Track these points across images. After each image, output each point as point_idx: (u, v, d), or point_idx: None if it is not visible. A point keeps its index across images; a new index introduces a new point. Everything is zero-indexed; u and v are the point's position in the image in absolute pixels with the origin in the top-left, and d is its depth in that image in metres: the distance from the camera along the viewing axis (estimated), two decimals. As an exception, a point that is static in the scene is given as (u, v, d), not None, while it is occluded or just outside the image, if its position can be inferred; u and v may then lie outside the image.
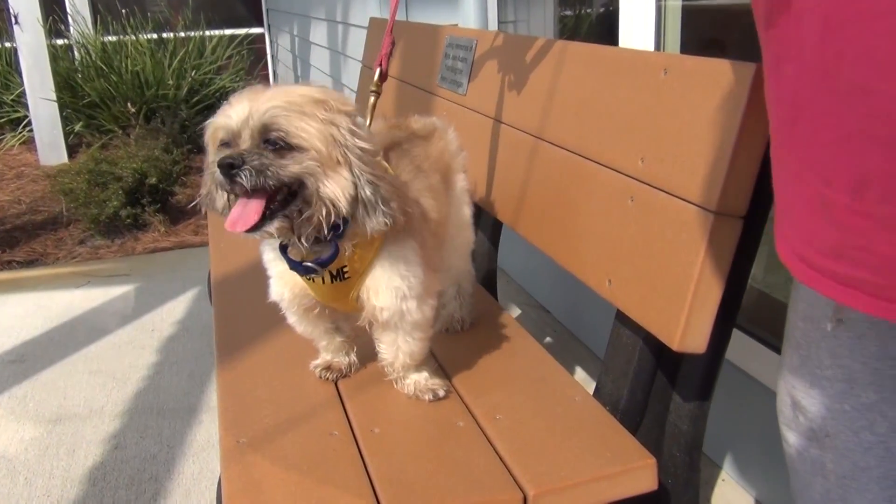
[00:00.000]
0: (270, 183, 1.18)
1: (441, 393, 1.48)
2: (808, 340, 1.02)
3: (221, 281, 2.05)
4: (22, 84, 6.28)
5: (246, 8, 8.62)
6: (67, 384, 2.86)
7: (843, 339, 0.96)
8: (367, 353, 1.58)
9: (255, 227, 1.20)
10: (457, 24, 3.33)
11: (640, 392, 1.44)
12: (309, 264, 1.30)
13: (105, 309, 3.55)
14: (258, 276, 2.11)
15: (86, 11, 7.45)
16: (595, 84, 1.58)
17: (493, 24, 3.39)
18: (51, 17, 6.79)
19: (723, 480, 2.13)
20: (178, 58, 6.42)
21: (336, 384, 1.54)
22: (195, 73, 6.42)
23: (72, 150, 6.22)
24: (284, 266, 1.39)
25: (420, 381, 1.49)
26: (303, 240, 1.25)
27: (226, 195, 1.27)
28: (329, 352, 1.57)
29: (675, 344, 1.25)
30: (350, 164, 1.22)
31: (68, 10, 7.34)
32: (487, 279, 2.23)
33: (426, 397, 1.46)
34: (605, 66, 1.55)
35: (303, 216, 1.23)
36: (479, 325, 1.78)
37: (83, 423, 2.60)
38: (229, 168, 1.17)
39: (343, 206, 1.22)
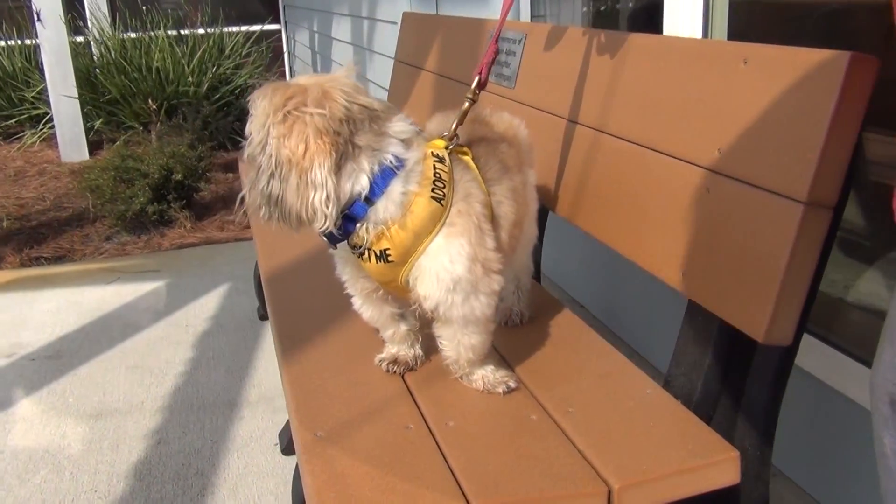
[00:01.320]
0: None
1: (513, 384, 1.47)
2: None
3: (273, 275, 2.04)
4: (42, 81, 6.30)
5: (262, 4, 8.61)
6: (106, 379, 2.86)
7: None
8: (432, 346, 1.57)
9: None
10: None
11: (713, 385, 1.43)
12: (324, 238, 1.39)
13: (137, 305, 3.56)
14: (309, 268, 2.12)
15: (105, 8, 7.46)
16: (662, 75, 1.56)
17: (524, 18, 3.37)
18: (70, 15, 6.80)
19: (773, 475, 2.12)
20: (198, 55, 6.42)
21: (403, 378, 1.53)
22: (215, 70, 6.42)
23: (92, 147, 6.24)
24: (343, 247, 1.44)
25: (487, 374, 1.49)
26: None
27: None
28: (395, 343, 1.57)
29: (762, 337, 1.23)
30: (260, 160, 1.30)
31: (87, 7, 7.34)
32: (533, 273, 2.21)
33: (499, 390, 1.45)
34: (674, 57, 1.54)
35: None
36: (537, 319, 1.77)
37: (124, 419, 2.60)
38: None
39: (248, 196, 1.34)
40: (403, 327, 1.56)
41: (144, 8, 6.99)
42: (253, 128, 1.30)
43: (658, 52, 1.60)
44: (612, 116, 1.71)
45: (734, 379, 1.45)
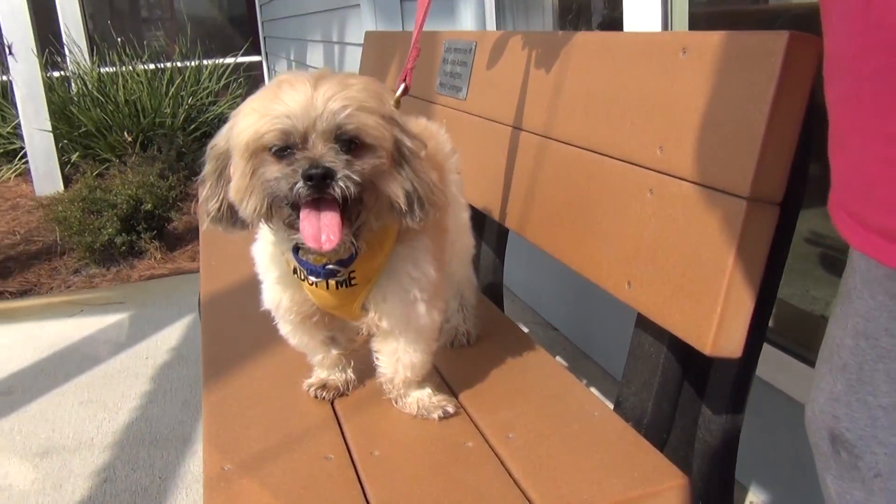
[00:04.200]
0: (355, 191, 1.08)
1: (451, 409, 1.35)
2: (859, 362, 0.86)
3: (211, 299, 1.92)
4: (17, 116, 6.21)
5: (243, 37, 8.60)
6: (56, 415, 2.73)
7: None
8: (366, 370, 1.45)
9: (342, 242, 1.12)
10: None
11: (665, 405, 1.31)
12: (332, 266, 1.21)
13: (98, 338, 3.43)
14: (249, 292, 2.00)
15: (82, 42, 7.40)
16: (604, 74, 1.46)
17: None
18: (47, 49, 6.75)
19: (750, 503, 1.99)
20: (175, 86, 6.36)
21: (332, 404, 1.41)
22: (191, 101, 6.35)
23: (68, 181, 6.14)
24: (281, 271, 1.30)
25: (423, 398, 1.37)
26: None
27: (288, 210, 1.13)
28: (324, 368, 1.45)
29: (708, 348, 1.12)
30: (403, 161, 1.15)
31: (64, 41, 7.29)
32: (493, 292, 2.10)
33: (434, 415, 1.33)
34: (615, 54, 1.44)
35: (359, 219, 1.15)
36: (485, 338, 1.66)
37: (71, 456, 2.47)
38: (323, 178, 1.05)
39: (402, 204, 1.15)
40: (334, 352, 1.44)
41: (120, 40, 6.93)
42: (384, 136, 1.15)
43: (597, 50, 1.50)
44: (558, 121, 1.61)
45: (690, 398, 1.33)
